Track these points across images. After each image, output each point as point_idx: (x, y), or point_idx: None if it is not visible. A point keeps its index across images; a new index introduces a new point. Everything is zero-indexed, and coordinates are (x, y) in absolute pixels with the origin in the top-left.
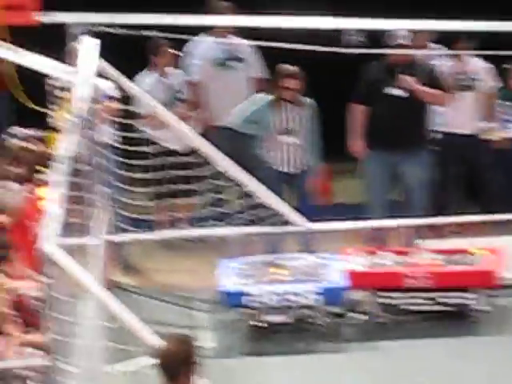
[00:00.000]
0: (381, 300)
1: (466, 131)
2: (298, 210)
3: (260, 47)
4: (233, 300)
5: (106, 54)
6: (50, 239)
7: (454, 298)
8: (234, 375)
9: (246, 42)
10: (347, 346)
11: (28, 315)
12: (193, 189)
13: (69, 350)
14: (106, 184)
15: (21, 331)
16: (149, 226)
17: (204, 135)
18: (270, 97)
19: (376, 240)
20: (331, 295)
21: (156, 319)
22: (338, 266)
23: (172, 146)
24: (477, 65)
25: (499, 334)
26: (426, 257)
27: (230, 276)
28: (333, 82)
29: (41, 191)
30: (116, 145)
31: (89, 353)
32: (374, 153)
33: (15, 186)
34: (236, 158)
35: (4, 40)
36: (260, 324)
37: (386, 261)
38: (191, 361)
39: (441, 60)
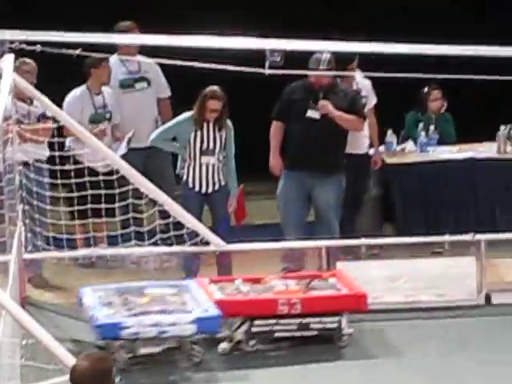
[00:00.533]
0: (252, 328)
1: (362, 151)
2: (214, 230)
3: (174, 67)
4: (108, 333)
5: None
6: None
7: (320, 324)
8: None
9: (151, 61)
10: (217, 375)
11: None
12: (112, 207)
13: None
14: (23, 201)
15: None
16: (67, 243)
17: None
18: (190, 114)
19: (293, 261)
20: (207, 324)
21: (70, 337)
22: (202, 296)
23: (93, 165)
24: (363, 83)
25: (365, 358)
26: (280, 283)
27: (99, 307)
28: (249, 101)
29: None
30: (36, 164)
31: (4, 370)
32: (290, 173)
33: None
34: (153, 177)
35: None
36: (134, 355)
37: (247, 289)
38: (107, 381)
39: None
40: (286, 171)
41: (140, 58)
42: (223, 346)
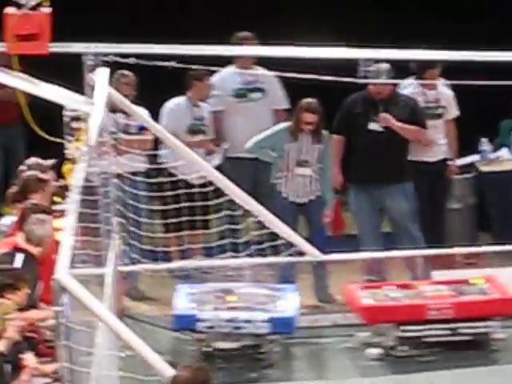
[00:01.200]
0: (401, 333)
1: (435, 158)
2: (310, 240)
3: (280, 77)
4: (184, 323)
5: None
6: (63, 269)
7: (471, 328)
8: None
9: (269, 73)
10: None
11: (43, 345)
12: (207, 219)
13: (83, 379)
14: (119, 214)
15: (35, 360)
16: (162, 256)
17: (223, 166)
18: (287, 124)
19: (375, 272)
20: (281, 325)
21: (167, 348)
22: (293, 298)
23: (188, 177)
24: (445, 92)
25: None
26: (431, 289)
27: (184, 300)
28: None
29: (57, 222)
30: (131, 176)
31: (103, 382)
32: (357, 186)
33: (45, 216)
34: (253, 187)
35: (14, 69)
36: (209, 350)
37: (397, 294)
38: None
39: (409, 89)
40: (353, 185)
41: (256, 69)
42: (372, 351)
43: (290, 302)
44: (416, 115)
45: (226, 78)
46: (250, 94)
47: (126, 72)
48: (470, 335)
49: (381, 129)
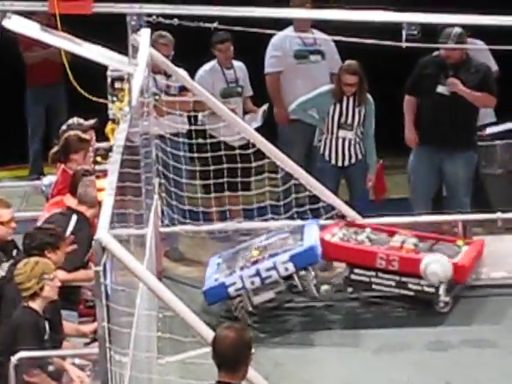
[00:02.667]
0: (351, 275)
1: None
2: (352, 204)
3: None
4: (216, 296)
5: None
6: (103, 229)
7: (414, 285)
8: None
9: (327, 36)
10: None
11: (82, 304)
12: (247, 181)
13: (122, 339)
14: (160, 175)
15: (75, 321)
16: (203, 217)
17: (281, 129)
18: (330, 87)
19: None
20: (303, 258)
21: (205, 310)
22: (312, 234)
23: (228, 139)
24: None
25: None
26: (401, 239)
27: (212, 273)
28: (386, 75)
29: (99, 182)
30: (172, 137)
31: (142, 343)
32: (420, 147)
33: (91, 178)
34: (309, 150)
35: (56, 29)
36: (251, 308)
37: (363, 237)
38: (250, 350)
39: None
40: (417, 146)
41: (315, 32)
42: (325, 288)
43: (311, 235)
44: (486, 82)
45: (285, 39)
46: (311, 55)
47: (163, 32)
48: (415, 292)
49: (448, 93)
